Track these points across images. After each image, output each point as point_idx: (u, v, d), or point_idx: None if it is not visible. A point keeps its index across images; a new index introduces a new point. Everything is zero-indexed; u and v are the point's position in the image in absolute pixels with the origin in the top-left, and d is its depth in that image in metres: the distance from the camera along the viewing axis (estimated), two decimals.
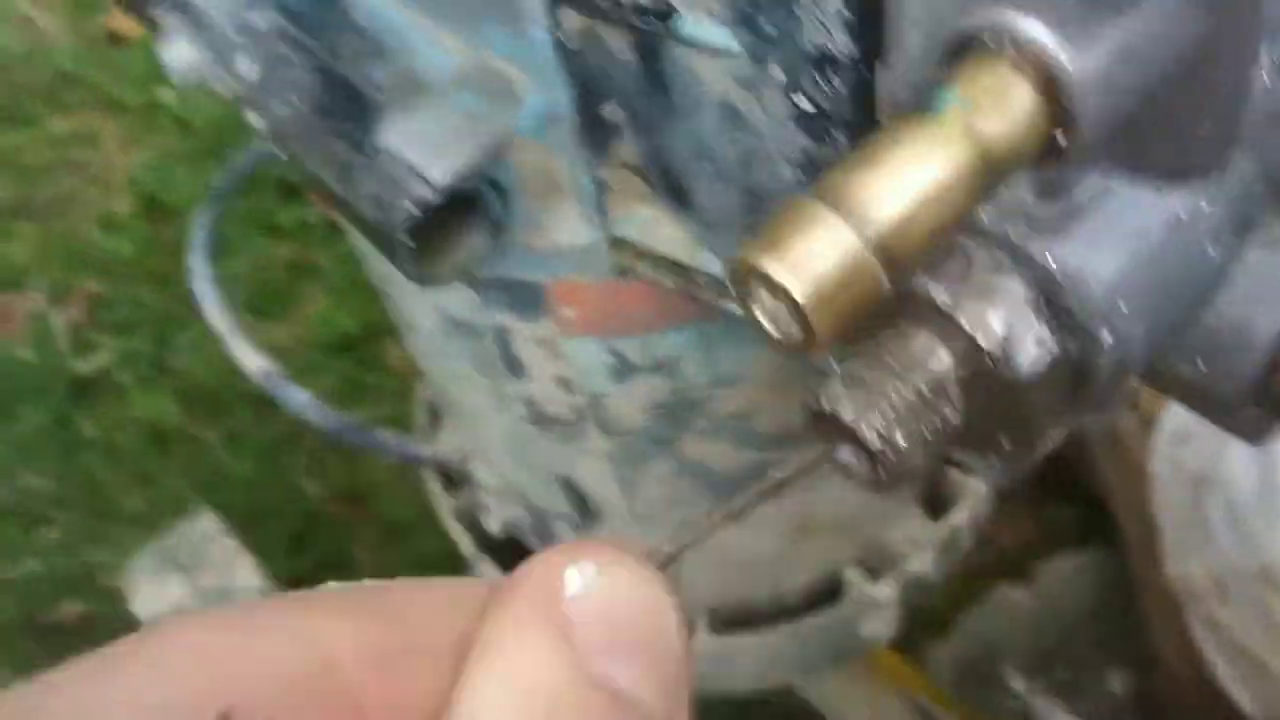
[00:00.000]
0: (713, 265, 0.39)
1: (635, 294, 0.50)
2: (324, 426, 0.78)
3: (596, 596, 0.20)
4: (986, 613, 0.96)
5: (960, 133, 0.22)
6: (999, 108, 0.22)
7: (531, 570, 0.21)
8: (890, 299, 0.24)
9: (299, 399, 0.78)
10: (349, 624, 0.21)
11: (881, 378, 0.26)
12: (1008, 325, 0.26)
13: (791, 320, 0.22)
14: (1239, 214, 0.27)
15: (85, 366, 1.21)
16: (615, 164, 0.39)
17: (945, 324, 0.26)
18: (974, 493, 0.75)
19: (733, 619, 0.72)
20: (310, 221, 1.23)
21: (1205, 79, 0.24)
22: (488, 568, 0.75)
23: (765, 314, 0.22)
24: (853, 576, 0.72)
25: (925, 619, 0.95)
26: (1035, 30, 0.22)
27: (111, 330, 1.22)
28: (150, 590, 1.03)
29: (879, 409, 0.26)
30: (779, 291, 0.21)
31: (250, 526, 1.13)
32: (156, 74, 1.34)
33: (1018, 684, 0.90)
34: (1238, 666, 0.79)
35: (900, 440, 0.26)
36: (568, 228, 0.45)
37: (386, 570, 1.13)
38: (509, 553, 0.75)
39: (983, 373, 0.26)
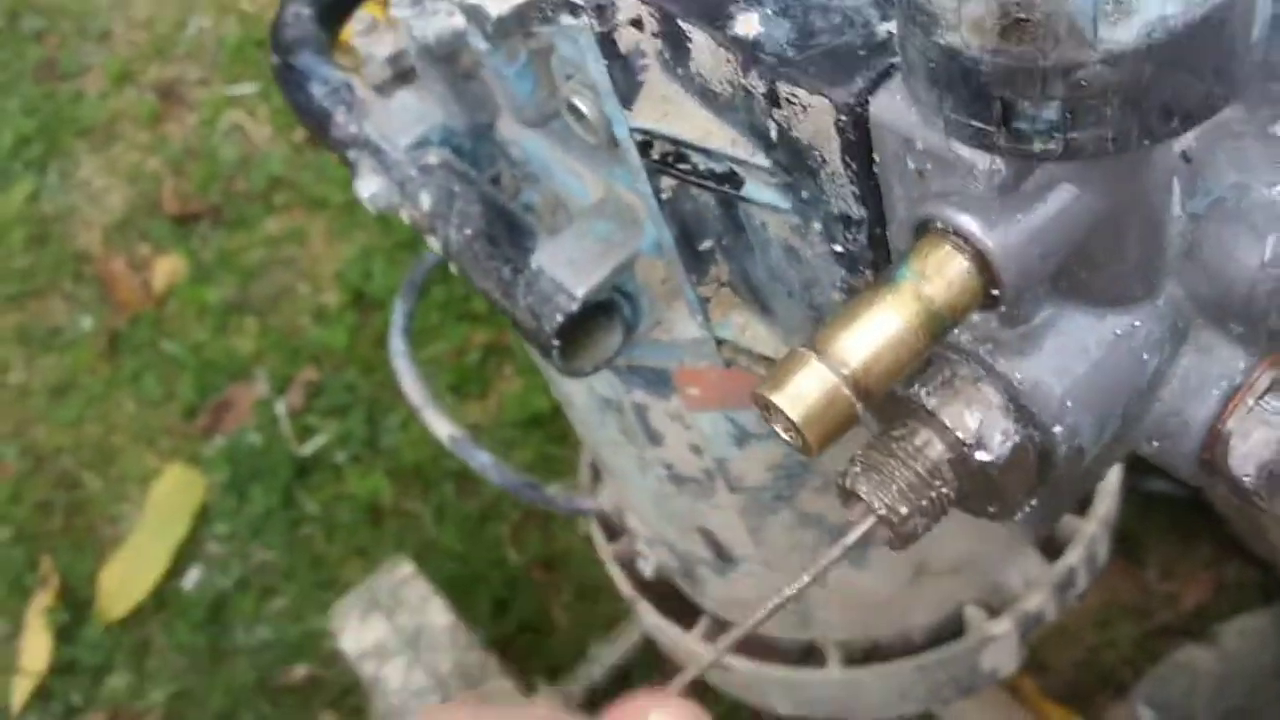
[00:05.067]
0: None
1: (746, 375, 0.60)
2: (502, 484, 0.89)
3: None
4: (1168, 673, 0.95)
5: (912, 298, 0.31)
6: (942, 277, 0.31)
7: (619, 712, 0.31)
8: (879, 402, 0.33)
9: (481, 460, 0.90)
10: None
11: (891, 464, 0.35)
12: (980, 423, 0.34)
13: (793, 433, 0.31)
14: (1172, 326, 0.35)
15: (306, 449, 1.28)
16: (713, 281, 0.49)
17: (935, 422, 0.35)
18: (1088, 535, 0.81)
19: (862, 653, 0.80)
20: None
21: (1117, 237, 0.33)
22: (644, 606, 0.85)
23: (778, 427, 0.31)
24: (973, 615, 0.79)
25: (1105, 679, 0.96)
26: (967, 221, 0.31)
27: (328, 414, 1.30)
28: (356, 629, 1.16)
29: (888, 488, 0.35)
30: (782, 415, 0.30)
31: (457, 592, 1.20)
32: None
33: None
34: None
35: (904, 511, 0.35)
36: (684, 324, 0.55)
37: (581, 628, 1.22)
38: (661, 593, 0.85)
39: (965, 458, 0.35)
